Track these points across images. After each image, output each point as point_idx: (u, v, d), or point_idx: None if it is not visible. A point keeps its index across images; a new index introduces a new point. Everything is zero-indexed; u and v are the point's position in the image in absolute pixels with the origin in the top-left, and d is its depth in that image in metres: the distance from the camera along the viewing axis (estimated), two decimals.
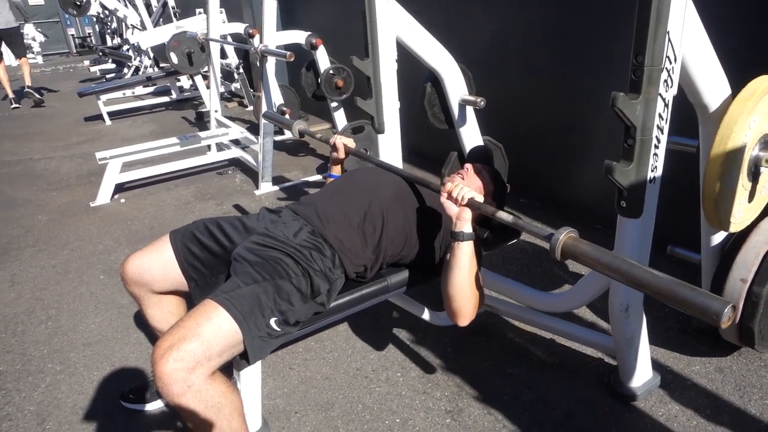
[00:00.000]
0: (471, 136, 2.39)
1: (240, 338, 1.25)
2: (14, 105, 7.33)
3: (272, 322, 1.30)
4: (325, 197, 1.60)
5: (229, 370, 1.44)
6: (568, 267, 2.50)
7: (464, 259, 1.37)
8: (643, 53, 1.24)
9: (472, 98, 2.28)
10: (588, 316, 2.11)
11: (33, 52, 13.27)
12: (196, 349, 1.17)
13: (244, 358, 1.30)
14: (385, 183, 1.61)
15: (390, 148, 2.32)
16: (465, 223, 1.37)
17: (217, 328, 1.22)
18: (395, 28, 2.14)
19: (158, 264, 1.52)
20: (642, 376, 1.68)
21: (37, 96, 7.41)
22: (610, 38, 2.49)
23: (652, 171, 1.37)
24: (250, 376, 1.45)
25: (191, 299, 1.54)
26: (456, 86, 2.30)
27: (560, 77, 2.89)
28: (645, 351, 1.65)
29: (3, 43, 7.21)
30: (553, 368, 1.85)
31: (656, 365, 1.78)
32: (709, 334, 1.90)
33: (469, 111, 2.36)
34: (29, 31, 8.02)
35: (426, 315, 1.99)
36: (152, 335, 2.04)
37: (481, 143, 2.42)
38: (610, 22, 2.51)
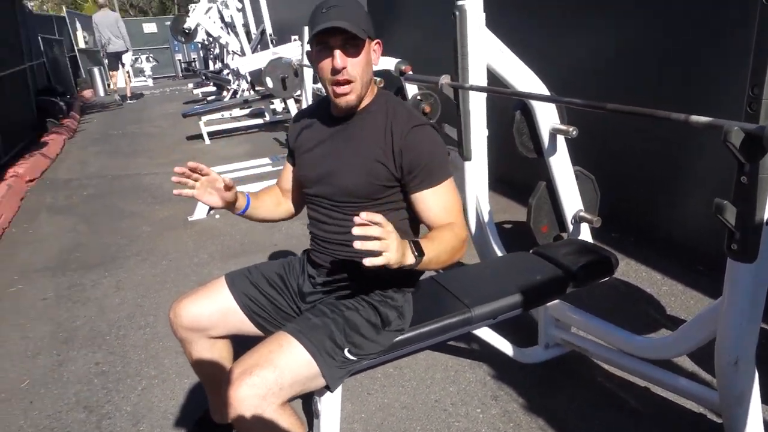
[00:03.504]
0: (561, 166, 2.31)
1: (313, 371, 1.25)
2: (120, 103, 10.84)
3: (346, 352, 1.31)
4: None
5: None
6: (665, 310, 2.34)
7: (432, 266, 1.26)
8: (760, 85, 1.14)
9: (563, 127, 2.21)
10: (687, 365, 1.95)
11: (144, 75, 14.57)
12: (269, 377, 1.17)
13: (325, 387, 1.31)
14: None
15: (476, 175, 2.29)
16: (405, 261, 1.15)
17: (289, 356, 1.23)
18: (486, 55, 2.13)
19: (217, 310, 1.49)
20: None
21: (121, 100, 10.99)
22: (718, 65, 2.34)
23: None
24: (331, 400, 1.46)
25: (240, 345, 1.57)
26: (547, 115, 2.25)
27: (661, 105, 2.74)
28: (756, 411, 1.49)
29: (118, 60, 10.77)
30: (646, 419, 1.72)
31: None
32: None
33: (560, 140, 2.29)
34: (127, 58, 11.22)
35: (510, 351, 1.93)
36: (243, 345, 2.11)
37: (572, 174, 2.34)
38: (717, 47, 2.36)
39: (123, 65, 11.01)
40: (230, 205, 1.47)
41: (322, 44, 1.30)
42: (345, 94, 1.33)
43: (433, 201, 1.35)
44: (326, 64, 1.31)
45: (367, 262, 1.04)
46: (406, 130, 1.34)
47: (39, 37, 9.90)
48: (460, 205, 1.39)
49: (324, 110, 1.49)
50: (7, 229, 4.07)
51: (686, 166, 2.65)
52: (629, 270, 2.69)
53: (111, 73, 11.66)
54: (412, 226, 1.49)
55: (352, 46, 1.29)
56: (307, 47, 1.38)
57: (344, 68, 1.29)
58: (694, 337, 1.54)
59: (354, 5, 1.31)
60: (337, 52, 1.28)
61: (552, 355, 2.00)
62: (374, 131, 1.38)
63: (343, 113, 1.42)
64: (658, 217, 2.88)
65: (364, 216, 1.06)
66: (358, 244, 1.03)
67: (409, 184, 1.36)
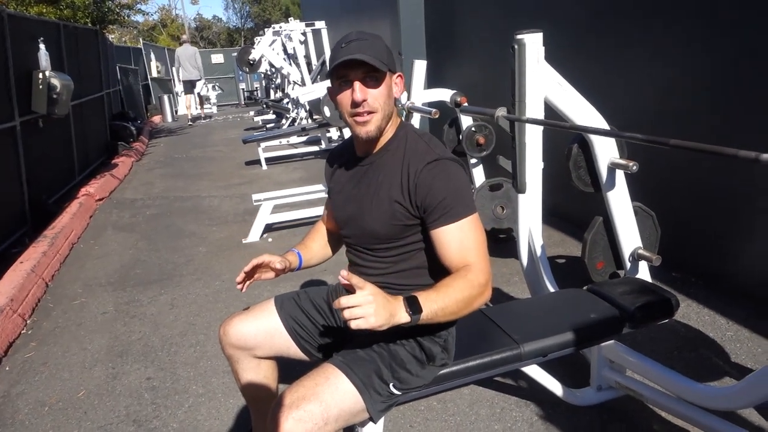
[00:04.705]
0: (619, 201, 2.24)
1: (359, 406, 1.25)
2: (190, 123, 12.28)
3: (392, 387, 1.31)
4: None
5: None
6: (729, 357, 2.19)
7: (439, 319, 1.21)
8: None
9: (623, 162, 2.15)
10: (755, 419, 1.81)
11: (210, 103, 15.31)
12: (314, 410, 1.17)
13: (369, 419, 1.30)
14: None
15: (530, 209, 2.25)
16: (398, 321, 1.14)
17: (336, 391, 1.23)
18: (544, 88, 2.11)
19: (264, 330, 1.52)
20: None
21: (193, 121, 12.49)
22: None
23: None
24: (373, 431, 1.44)
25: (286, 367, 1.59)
26: (606, 149, 2.19)
27: (728, 140, 2.62)
28: None
29: (191, 87, 12.32)
30: None
31: None
32: None
33: (619, 175, 2.22)
34: (199, 85, 12.80)
35: (560, 391, 1.85)
36: (289, 368, 2.12)
37: (631, 210, 2.26)
38: None
39: (196, 92, 12.48)
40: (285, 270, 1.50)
41: (342, 78, 1.28)
42: (365, 124, 1.30)
43: (449, 238, 1.27)
44: (346, 97, 1.29)
45: (352, 324, 1.08)
46: (420, 167, 1.29)
47: (117, 67, 10.63)
48: (481, 245, 1.28)
49: (351, 150, 1.48)
50: (75, 244, 4.31)
51: (755, 204, 2.51)
52: (690, 312, 2.55)
53: (186, 96, 12.93)
54: (439, 267, 1.35)
55: (372, 78, 1.27)
56: (329, 84, 1.37)
57: (364, 101, 1.28)
58: (763, 388, 1.43)
59: (374, 39, 1.30)
60: (357, 84, 1.26)
61: (604, 398, 1.90)
62: (392, 171, 1.35)
63: (365, 151, 1.41)
64: (723, 258, 2.73)
65: (344, 274, 1.13)
66: (346, 314, 1.08)
67: (427, 221, 1.30)
